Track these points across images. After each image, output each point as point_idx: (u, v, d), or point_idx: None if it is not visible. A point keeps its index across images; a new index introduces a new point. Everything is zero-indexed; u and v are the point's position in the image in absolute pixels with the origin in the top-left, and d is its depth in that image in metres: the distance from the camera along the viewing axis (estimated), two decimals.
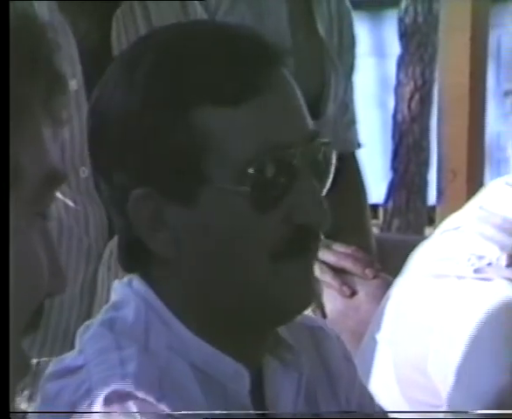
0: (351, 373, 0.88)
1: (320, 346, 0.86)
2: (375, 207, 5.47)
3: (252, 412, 0.78)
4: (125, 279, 0.80)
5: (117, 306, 0.79)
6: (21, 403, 0.73)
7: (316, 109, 1.38)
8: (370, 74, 7.11)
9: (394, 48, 6.12)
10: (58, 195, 1.04)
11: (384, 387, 1.08)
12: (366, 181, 1.53)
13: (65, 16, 1.09)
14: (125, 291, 0.79)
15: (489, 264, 1.04)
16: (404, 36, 5.89)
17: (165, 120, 0.74)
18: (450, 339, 1.04)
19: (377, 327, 1.12)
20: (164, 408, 0.73)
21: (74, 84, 1.07)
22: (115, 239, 0.86)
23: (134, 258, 0.79)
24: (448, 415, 1.03)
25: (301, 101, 0.78)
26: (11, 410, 0.45)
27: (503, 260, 1.04)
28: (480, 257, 1.05)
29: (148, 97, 0.75)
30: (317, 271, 1.22)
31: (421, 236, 1.18)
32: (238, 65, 0.74)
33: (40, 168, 0.47)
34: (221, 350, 0.77)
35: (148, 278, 0.79)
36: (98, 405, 0.73)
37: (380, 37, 7.84)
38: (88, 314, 0.79)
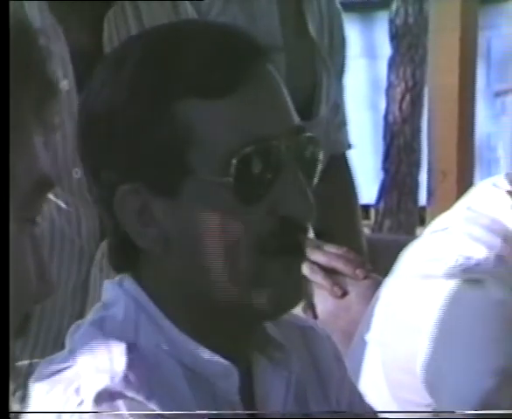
0: (342, 373, 0.88)
1: (310, 345, 0.87)
2: (366, 207, 5.48)
3: (241, 412, 0.78)
4: (115, 279, 0.81)
5: (107, 306, 0.79)
6: (13, 405, 0.73)
7: (308, 110, 1.38)
8: (362, 75, 7.13)
9: (385, 49, 6.14)
10: (51, 196, 1.04)
11: (373, 386, 1.08)
12: (357, 181, 1.54)
13: (56, 16, 1.09)
14: (115, 291, 0.79)
15: (477, 265, 1.05)
16: (394, 37, 5.90)
17: (149, 114, 0.75)
18: (438, 339, 1.04)
19: (367, 328, 1.12)
20: (153, 407, 0.73)
21: (66, 84, 1.07)
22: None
23: (124, 258, 0.79)
24: (438, 415, 1.03)
25: (287, 98, 0.78)
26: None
27: (491, 260, 1.05)
28: (469, 258, 1.05)
29: (133, 92, 0.75)
30: (308, 271, 1.22)
31: (412, 237, 1.18)
32: (221, 59, 0.75)
33: (31, 174, 0.48)
34: (210, 348, 0.77)
35: (138, 277, 0.79)
36: (87, 404, 0.73)
37: (371, 39, 7.86)
38: (80, 315, 0.79)
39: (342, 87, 1.52)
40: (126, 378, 0.73)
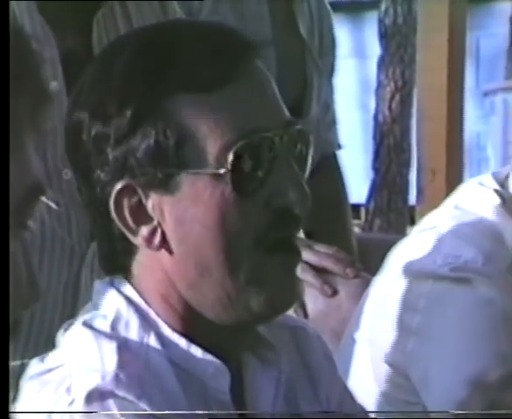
0: (332, 371, 0.89)
1: (301, 345, 0.87)
2: (357, 207, 5.50)
3: (232, 412, 0.78)
4: (106, 279, 0.81)
5: (98, 305, 0.79)
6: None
7: (299, 109, 1.39)
8: (351, 75, 7.14)
9: (374, 49, 6.16)
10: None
11: (362, 385, 1.09)
12: (347, 181, 1.55)
13: (45, 17, 1.09)
14: (106, 290, 0.79)
15: (466, 263, 1.05)
16: (384, 37, 5.92)
17: (142, 111, 0.75)
18: (426, 339, 1.05)
19: (356, 326, 1.13)
20: (144, 406, 0.73)
21: (55, 86, 1.07)
22: None
23: (116, 259, 0.79)
24: (429, 415, 1.04)
25: (277, 93, 0.79)
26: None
27: (479, 259, 1.05)
28: (457, 257, 1.06)
29: (125, 92, 0.76)
30: (299, 270, 1.22)
31: (402, 236, 1.19)
32: (211, 55, 0.76)
33: (24, 179, 0.48)
34: (201, 347, 0.77)
35: (129, 277, 0.79)
36: (78, 403, 0.73)
37: (360, 39, 7.88)
38: (71, 315, 0.79)
39: (333, 87, 1.53)
40: (117, 377, 0.74)
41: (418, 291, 1.07)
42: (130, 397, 0.73)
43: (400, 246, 1.13)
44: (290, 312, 1.18)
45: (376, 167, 5.84)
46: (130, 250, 0.78)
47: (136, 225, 0.76)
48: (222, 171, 0.74)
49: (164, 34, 0.79)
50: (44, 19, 1.09)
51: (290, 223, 0.77)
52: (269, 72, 0.79)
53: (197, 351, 0.77)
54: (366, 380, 1.09)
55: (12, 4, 1.02)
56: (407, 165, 5.76)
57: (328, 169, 1.47)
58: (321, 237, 1.30)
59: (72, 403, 0.73)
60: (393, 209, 5.76)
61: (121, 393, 0.73)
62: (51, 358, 0.78)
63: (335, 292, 1.27)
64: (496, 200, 1.10)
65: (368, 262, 1.33)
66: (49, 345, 0.79)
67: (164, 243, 0.76)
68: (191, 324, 0.78)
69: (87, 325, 0.77)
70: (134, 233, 0.76)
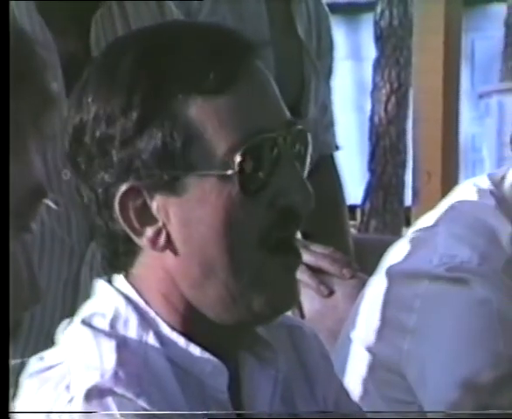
0: (328, 371, 0.89)
1: (297, 344, 0.87)
2: (352, 208, 5.50)
3: (230, 412, 0.78)
4: (106, 277, 0.81)
5: (97, 303, 0.79)
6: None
7: (297, 111, 1.39)
8: (347, 77, 7.15)
9: (370, 51, 6.17)
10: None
11: (359, 384, 1.09)
12: (344, 182, 1.55)
13: (44, 18, 1.10)
14: (105, 289, 0.80)
15: (461, 264, 1.06)
16: (379, 39, 5.94)
17: (148, 113, 0.75)
18: (422, 339, 1.06)
19: (352, 326, 1.13)
20: (143, 404, 0.74)
21: (55, 87, 1.08)
22: None
23: (117, 260, 0.79)
24: (426, 415, 1.04)
25: (277, 93, 0.79)
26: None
27: (475, 259, 1.06)
28: (453, 257, 1.06)
29: (130, 93, 0.76)
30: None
31: (398, 237, 1.19)
32: (214, 55, 0.76)
33: (26, 182, 0.49)
34: (200, 346, 0.77)
35: (129, 276, 0.79)
36: (78, 401, 0.73)
37: (356, 41, 7.89)
38: (71, 314, 0.79)
39: (330, 89, 1.53)
40: (116, 375, 0.74)
41: (414, 291, 1.07)
42: (129, 395, 0.74)
43: (396, 246, 1.14)
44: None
45: (371, 168, 5.86)
46: (132, 250, 0.78)
47: (141, 226, 0.76)
48: (229, 172, 0.75)
49: (166, 36, 0.79)
50: (43, 20, 1.09)
51: (293, 222, 0.78)
52: (268, 71, 0.80)
53: (195, 350, 0.77)
54: (362, 379, 1.10)
55: (12, 6, 1.03)
56: (403, 166, 5.78)
57: (326, 170, 1.47)
58: (317, 238, 1.30)
59: (71, 401, 0.74)
60: (389, 211, 5.77)
61: (119, 390, 0.74)
62: (51, 356, 0.78)
63: (331, 293, 1.28)
64: (492, 201, 1.11)
65: (364, 262, 1.33)
66: (49, 343, 0.80)
67: (169, 243, 0.76)
68: (191, 323, 0.78)
69: (86, 323, 0.78)
70: (139, 234, 0.76)
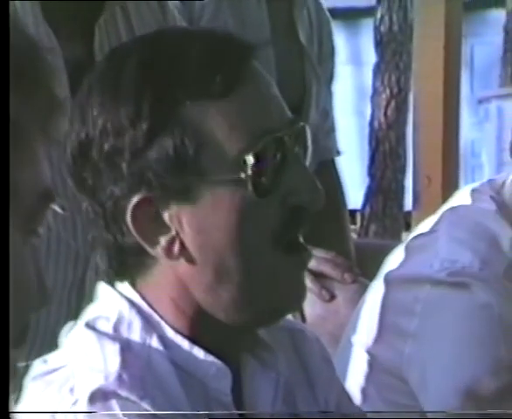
0: (330, 374, 0.90)
1: (299, 348, 0.88)
2: (352, 212, 5.49)
3: (232, 412, 0.79)
4: (109, 281, 0.81)
5: (101, 307, 0.80)
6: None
7: (299, 116, 1.39)
8: (347, 82, 7.16)
9: (370, 56, 6.18)
10: None
11: (360, 388, 1.10)
12: (345, 187, 1.55)
13: (50, 24, 1.10)
14: (109, 292, 0.80)
15: (463, 268, 1.06)
16: (379, 44, 5.95)
17: (157, 122, 0.75)
18: (423, 343, 1.06)
19: (353, 330, 1.14)
20: (146, 407, 0.74)
21: (61, 92, 1.08)
22: None
23: (125, 270, 0.78)
24: (425, 415, 1.04)
25: (278, 91, 0.80)
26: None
27: (476, 264, 1.06)
28: (454, 261, 1.07)
29: (137, 103, 0.75)
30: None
31: (398, 242, 1.20)
32: (217, 59, 0.76)
33: (35, 186, 0.49)
34: (203, 349, 0.78)
35: (134, 282, 0.79)
36: (82, 403, 0.74)
37: (356, 46, 7.90)
38: (76, 317, 0.80)
39: (331, 94, 1.54)
40: (119, 378, 0.74)
41: (415, 296, 1.08)
42: (133, 398, 0.74)
43: (398, 251, 1.15)
44: (288, 315, 1.19)
45: (371, 173, 5.86)
46: (142, 260, 0.77)
47: (154, 237, 0.75)
48: (243, 176, 0.75)
49: (167, 42, 0.79)
50: (49, 26, 1.09)
51: (303, 220, 0.78)
52: (270, 75, 0.80)
53: (199, 352, 0.78)
54: (364, 383, 1.10)
55: (19, 13, 1.03)
56: (402, 171, 5.79)
57: (327, 175, 1.48)
58: (319, 242, 1.31)
59: (75, 403, 0.74)
60: (388, 215, 5.78)
61: (123, 393, 0.74)
62: (55, 359, 0.78)
63: (332, 297, 1.28)
64: (492, 206, 1.11)
65: (363, 267, 1.34)
66: (53, 346, 0.80)
67: (183, 251, 0.76)
68: (198, 326, 0.78)
69: (90, 326, 0.78)
70: (153, 245, 0.76)
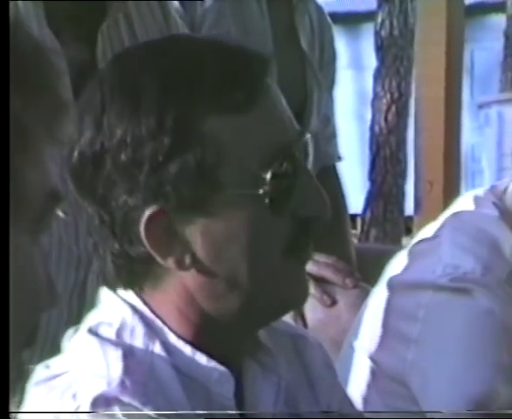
0: (332, 379, 0.90)
1: (301, 353, 0.88)
2: (353, 217, 5.49)
3: (234, 412, 0.79)
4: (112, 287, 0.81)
5: (104, 312, 0.80)
6: (11, 409, 0.74)
7: (299, 123, 1.39)
8: (348, 86, 7.17)
9: (371, 60, 6.19)
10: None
11: (362, 394, 1.09)
12: (346, 192, 1.56)
13: (53, 30, 1.10)
14: (111, 298, 0.80)
15: (465, 274, 1.06)
16: (380, 49, 5.96)
17: (180, 137, 0.74)
18: (426, 349, 1.06)
19: (355, 336, 1.14)
20: (149, 413, 0.74)
21: (67, 94, 1.08)
22: None
23: (131, 280, 0.78)
24: (425, 415, 1.04)
25: (286, 104, 0.80)
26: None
27: (478, 270, 1.06)
28: (456, 267, 1.07)
29: (161, 117, 0.74)
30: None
31: (399, 246, 1.19)
32: (235, 73, 0.76)
33: (43, 187, 0.49)
34: (205, 354, 0.78)
35: (140, 289, 0.79)
36: (84, 409, 0.73)
37: (357, 50, 7.91)
38: (77, 322, 0.80)
39: (333, 100, 1.54)
40: (122, 384, 0.74)
41: (417, 301, 1.08)
42: (135, 404, 0.74)
43: (400, 256, 1.15)
44: (290, 321, 1.19)
45: (372, 177, 5.87)
46: (148, 268, 0.77)
47: (167, 248, 0.75)
48: (261, 191, 0.75)
49: (186, 55, 0.77)
50: (52, 32, 1.09)
51: (312, 231, 0.79)
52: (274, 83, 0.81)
53: (201, 358, 0.78)
54: (366, 388, 1.10)
55: (23, 18, 1.03)
56: (403, 176, 5.79)
57: (328, 181, 1.48)
58: (320, 247, 1.31)
59: (77, 409, 0.74)
60: (389, 220, 5.78)
61: (126, 399, 0.74)
62: (57, 364, 0.78)
63: (334, 302, 1.28)
64: (495, 212, 1.11)
65: (364, 272, 1.34)
66: (55, 350, 0.80)
67: (195, 263, 0.76)
68: (202, 332, 0.78)
69: (93, 332, 0.78)
70: (165, 256, 0.75)
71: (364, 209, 5.84)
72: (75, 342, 0.79)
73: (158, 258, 0.76)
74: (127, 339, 0.77)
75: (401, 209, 5.78)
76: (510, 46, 6.65)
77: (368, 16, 6.77)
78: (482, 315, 1.04)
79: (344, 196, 1.54)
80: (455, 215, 1.14)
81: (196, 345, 0.78)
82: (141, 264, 0.77)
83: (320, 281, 1.29)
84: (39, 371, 0.78)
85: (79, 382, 0.75)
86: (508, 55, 6.66)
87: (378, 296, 1.13)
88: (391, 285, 1.12)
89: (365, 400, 1.09)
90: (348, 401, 0.93)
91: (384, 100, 5.83)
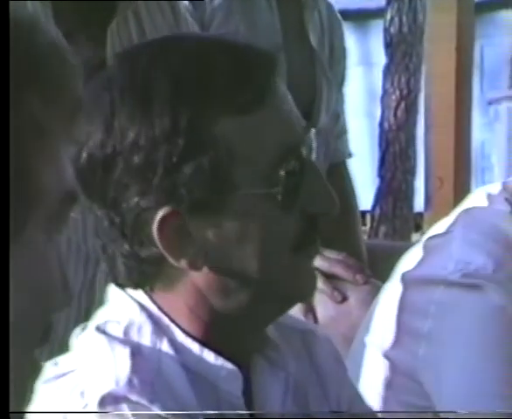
0: (342, 374, 0.90)
1: (310, 348, 0.88)
2: (362, 213, 5.48)
3: (244, 412, 0.78)
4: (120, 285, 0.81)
5: (111, 310, 0.79)
6: (23, 407, 0.74)
7: (308, 120, 1.39)
8: (357, 83, 7.16)
9: (380, 57, 6.17)
10: None
11: (374, 389, 1.09)
12: (356, 188, 1.55)
13: (62, 30, 1.10)
14: (119, 296, 0.80)
15: (476, 270, 1.05)
16: (389, 46, 5.94)
17: (194, 138, 0.74)
18: (437, 345, 1.05)
19: (366, 331, 1.13)
20: (157, 411, 0.73)
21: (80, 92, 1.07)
22: None
23: (140, 280, 0.78)
24: (438, 415, 1.04)
25: (293, 103, 0.80)
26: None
27: (490, 266, 1.06)
28: (468, 263, 1.06)
29: (175, 119, 0.73)
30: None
31: (409, 243, 1.19)
32: (246, 73, 0.76)
33: (59, 187, 0.49)
34: (214, 352, 0.78)
35: (149, 289, 0.79)
36: (92, 408, 0.73)
37: (366, 47, 7.90)
38: (86, 320, 0.79)
39: (343, 97, 1.53)
40: (130, 382, 0.74)
41: (429, 297, 1.07)
42: (143, 402, 0.74)
43: (411, 252, 1.14)
44: (300, 316, 1.19)
45: (381, 174, 5.85)
46: (159, 268, 0.77)
47: (179, 249, 0.75)
48: (274, 190, 0.75)
49: (196, 54, 0.77)
50: (61, 32, 1.09)
51: (320, 227, 0.79)
52: (282, 82, 0.80)
53: (209, 355, 0.77)
54: (378, 384, 1.09)
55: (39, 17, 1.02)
56: (412, 172, 5.78)
57: (338, 177, 1.47)
58: (330, 244, 1.30)
59: (85, 407, 0.74)
60: (398, 216, 5.77)
61: (134, 397, 0.74)
62: (65, 362, 0.78)
63: (344, 299, 1.28)
64: (507, 207, 1.10)
65: (374, 268, 1.33)
66: (63, 348, 0.79)
67: (207, 262, 0.76)
68: (211, 330, 0.78)
69: (101, 330, 0.78)
70: (178, 257, 0.75)
71: (374, 206, 5.82)
72: (83, 340, 0.79)
73: (171, 259, 0.75)
74: (134, 337, 0.77)
75: (410, 206, 5.77)
76: None
77: (377, 13, 6.75)
78: (494, 311, 1.04)
79: (354, 192, 1.53)
80: (467, 211, 1.13)
81: (204, 342, 0.78)
82: (152, 264, 0.77)
83: (330, 277, 1.28)
84: (48, 368, 0.78)
85: (87, 381, 0.75)
86: None
87: (390, 292, 1.12)
88: (403, 281, 1.11)
89: (378, 396, 1.08)
90: (359, 397, 0.92)
91: (394, 97, 5.81)
